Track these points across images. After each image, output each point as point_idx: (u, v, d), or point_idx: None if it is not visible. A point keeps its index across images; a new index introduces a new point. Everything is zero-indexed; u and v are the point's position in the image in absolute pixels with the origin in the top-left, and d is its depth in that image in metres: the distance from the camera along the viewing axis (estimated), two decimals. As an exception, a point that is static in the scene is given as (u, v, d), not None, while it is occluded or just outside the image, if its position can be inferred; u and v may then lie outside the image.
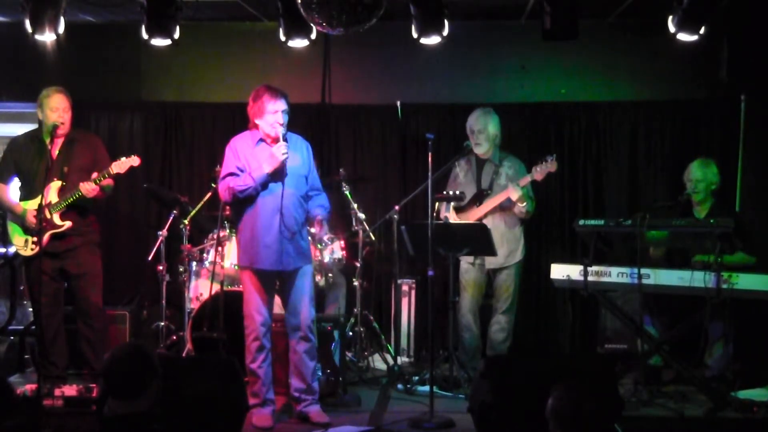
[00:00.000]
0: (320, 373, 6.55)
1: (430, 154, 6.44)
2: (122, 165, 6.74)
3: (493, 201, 7.29)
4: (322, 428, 5.96)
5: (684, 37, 6.87)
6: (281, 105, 6.05)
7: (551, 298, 8.39)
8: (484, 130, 7.35)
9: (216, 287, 7.05)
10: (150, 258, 7.59)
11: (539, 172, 7.15)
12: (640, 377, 6.59)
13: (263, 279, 6.12)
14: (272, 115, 6.04)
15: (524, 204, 7.17)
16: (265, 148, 6.08)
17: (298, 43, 7.18)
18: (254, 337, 6.11)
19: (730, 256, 6.54)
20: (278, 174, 6.04)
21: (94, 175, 6.67)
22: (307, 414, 6.18)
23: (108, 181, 6.77)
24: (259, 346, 6.11)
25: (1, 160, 7.07)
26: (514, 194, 7.13)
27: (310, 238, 6.46)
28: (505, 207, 7.32)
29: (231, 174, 6.10)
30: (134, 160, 6.79)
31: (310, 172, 6.30)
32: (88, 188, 6.63)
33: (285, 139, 6.01)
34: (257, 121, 6.11)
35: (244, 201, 6.09)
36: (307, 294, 6.18)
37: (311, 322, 6.19)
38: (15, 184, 6.94)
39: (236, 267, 7.40)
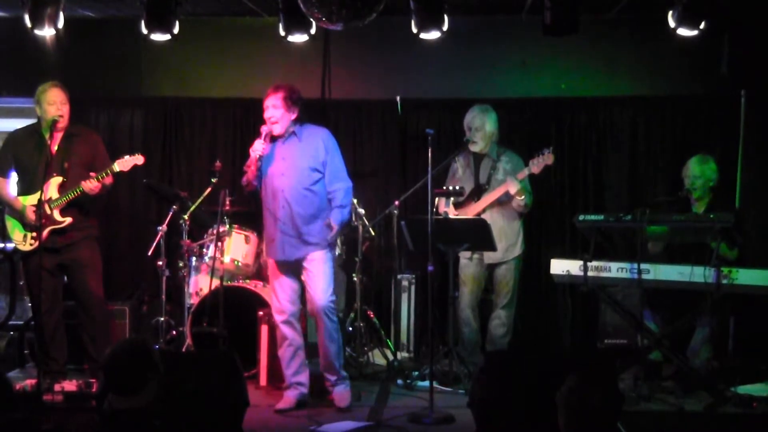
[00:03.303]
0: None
1: (429, 149, 6.46)
2: (126, 163, 6.75)
3: (492, 196, 7.28)
4: (316, 424, 5.99)
5: (684, 32, 6.87)
6: (267, 101, 6.35)
7: (551, 294, 8.38)
8: (480, 129, 7.34)
9: (216, 282, 7.05)
10: (150, 253, 7.57)
11: (536, 165, 7.14)
12: (640, 372, 6.60)
13: (277, 269, 6.45)
14: (265, 111, 6.37)
15: (522, 197, 7.17)
16: (271, 145, 6.42)
17: (298, 38, 7.19)
18: (276, 325, 6.48)
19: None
20: (270, 168, 6.37)
21: (93, 174, 6.67)
22: (332, 396, 6.44)
23: (108, 179, 6.76)
24: (280, 334, 6.47)
25: (0, 153, 7.06)
26: (513, 188, 7.12)
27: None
28: (504, 202, 7.31)
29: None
30: (138, 159, 6.81)
31: (326, 165, 6.40)
32: (90, 186, 6.63)
33: (265, 136, 6.33)
34: None
35: (255, 195, 6.55)
36: (320, 280, 6.35)
37: (326, 306, 6.35)
38: (13, 178, 6.94)
39: (236, 263, 7.51)
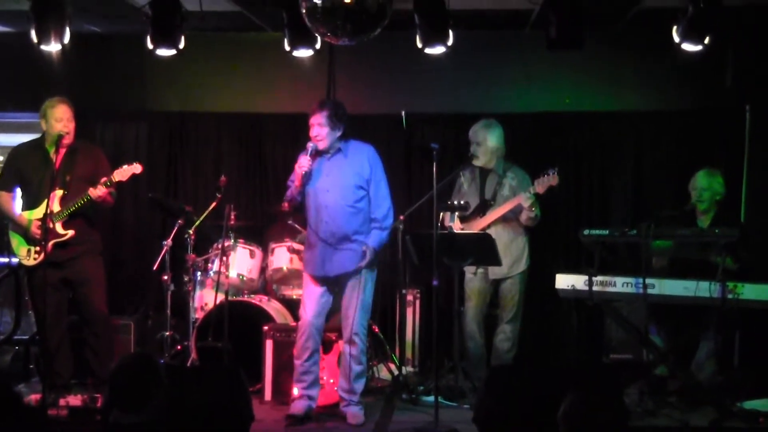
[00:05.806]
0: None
1: (434, 163, 6.47)
2: (124, 173, 6.75)
3: (500, 210, 7.27)
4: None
5: (689, 47, 6.86)
6: (313, 119, 6.36)
7: (556, 308, 8.35)
8: (482, 143, 7.35)
9: (221, 297, 7.05)
10: (155, 268, 7.58)
11: (541, 185, 7.10)
12: (645, 387, 6.58)
13: (311, 281, 6.45)
14: (311, 129, 6.39)
15: (534, 210, 7.16)
16: (317, 160, 6.44)
17: (303, 53, 7.20)
18: (299, 336, 6.45)
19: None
20: (314, 184, 6.38)
21: (103, 179, 6.68)
22: (345, 414, 6.44)
23: (111, 189, 6.77)
24: (302, 345, 6.43)
25: (4, 167, 7.08)
26: (526, 201, 7.12)
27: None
28: (509, 218, 7.30)
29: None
30: (136, 168, 6.80)
31: (371, 184, 6.45)
32: (98, 192, 6.63)
33: (311, 153, 6.34)
34: None
35: (300, 209, 6.54)
36: (355, 300, 6.39)
37: (359, 328, 6.41)
38: (17, 193, 6.95)
39: (241, 277, 7.51)
